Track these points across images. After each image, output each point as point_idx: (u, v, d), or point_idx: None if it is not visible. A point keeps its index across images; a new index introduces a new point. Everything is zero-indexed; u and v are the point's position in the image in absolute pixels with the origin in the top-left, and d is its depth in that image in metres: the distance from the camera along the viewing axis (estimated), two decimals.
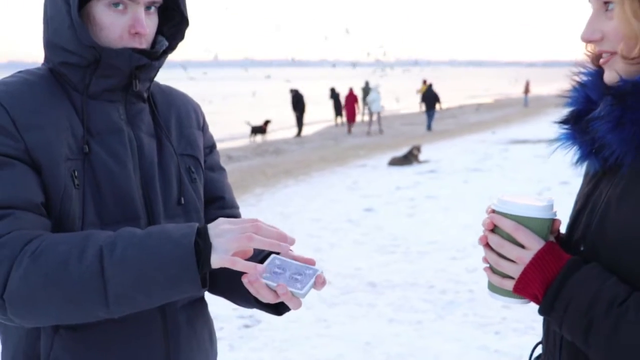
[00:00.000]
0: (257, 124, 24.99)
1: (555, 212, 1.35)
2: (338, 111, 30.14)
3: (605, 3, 1.25)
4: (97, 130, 1.49)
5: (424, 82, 31.75)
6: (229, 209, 1.74)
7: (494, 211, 1.33)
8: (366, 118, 28.89)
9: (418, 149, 15.49)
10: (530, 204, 1.31)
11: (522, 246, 1.28)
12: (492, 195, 9.06)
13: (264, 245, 1.32)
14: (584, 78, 1.39)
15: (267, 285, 1.34)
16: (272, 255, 1.40)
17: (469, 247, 7.66)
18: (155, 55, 1.55)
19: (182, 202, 1.60)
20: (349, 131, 26.60)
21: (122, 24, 1.46)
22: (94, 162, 1.47)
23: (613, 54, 1.26)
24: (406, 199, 10.98)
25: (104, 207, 1.46)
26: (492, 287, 1.37)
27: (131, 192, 1.50)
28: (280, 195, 12.05)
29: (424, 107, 29.46)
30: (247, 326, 5.39)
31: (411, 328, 5.25)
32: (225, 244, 1.30)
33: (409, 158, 15.16)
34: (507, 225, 1.29)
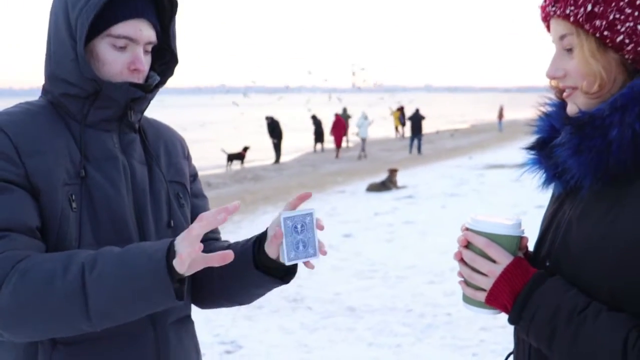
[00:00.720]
0: (233, 151, 25.05)
1: (523, 230, 1.48)
2: (319, 138, 30.32)
3: (566, 45, 1.37)
4: (93, 156, 1.61)
5: (398, 109, 32.12)
6: (211, 234, 1.85)
7: (467, 229, 1.45)
8: (351, 144, 29.24)
9: (394, 173, 15.60)
10: (500, 223, 1.44)
11: (494, 261, 1.40)
12: None
13: (207, 227, 1.38)
14: (549, 109, 1.53)
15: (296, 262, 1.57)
16: (281, 216, 1.57)
17: (447, 271, 7.76)
18: (149, 89, 1.68)
19: (172, 225, 1.71)
20: (337, 156, 27.00)
21: (123, 61, 1.60)
22: (90, 186, 1.58)
23: (574, 88, 1.39)
24: (384, 225, 11.09)
25: (100, 229, 1.56)
26: (466, 299, 1.49)
27: (125, 215, 1.61)
28: (259, 222, 12.08)
29: (401, 132, 29.82)
30: (228, 352, 5.42)
31: (390, 352, 5.32)
32: (180, 248, 1.39)
33: (387, 184, 15.28)
34: (479, 242, 1.41)
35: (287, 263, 1.56)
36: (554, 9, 1.37)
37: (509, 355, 1.67)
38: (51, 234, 1.51)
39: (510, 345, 5.21)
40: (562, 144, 1.37)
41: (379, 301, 6.75)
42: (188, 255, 1.36)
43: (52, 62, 1.62)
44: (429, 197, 13.97)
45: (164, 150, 1.80)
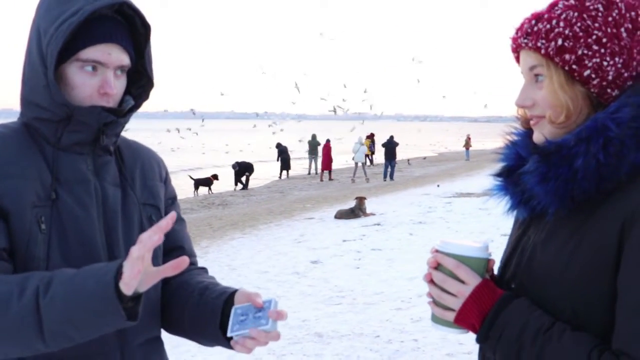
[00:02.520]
0: (200, 177, 24.98)
1: (490, 253, 1.52)
2: (285, 165, 30.40)
3: (536, 75, 1.43)
4: (65, 179, 1.62)
5: (367, 136, 32.45)
6: (190, 259, 1.82)
7: (437, 251, 1.48)
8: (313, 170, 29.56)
9: (362, 201, 15.66)
10: (469, 245, 1.48)
11: (462, 282, 1.44)
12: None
13: (143, 248, 1.38)
14: (515, 137, 1.58)
15: (243, 335, 1.54)
16: (233, 308, 1.60)
17: (414, 298, 7.80)
18: (121, 113, 1.69)
19: None
20: (322, 179, 27.80)
21: (92, 85, 1.60)
22: (61, 208, 1.59)
23: (541, 117, 1.44)
24: (352, 251, 11.11)
25: (69, 250, 1.58)
26: (435, 319, 1.51)
27: (94, 237, 1.62)
28: (227, 248, 12.05)
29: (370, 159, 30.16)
30: None
31: None
32: (125, 270, 1.39)
33: (356, 211, 15.33)
34: (449, 263, 1.45)
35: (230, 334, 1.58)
36: (525, 41, 1.42)
37: None
38: (19, 255, 1.53)
39: None
40: (530, 171, 1.42)
41: (347, 327, 6.75)
42: (130, 278, 1.37)
43: (25, 87, 1.65)
44: (396, 224, 14.04)
45: (140, 173, 1.81)
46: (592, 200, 1.35)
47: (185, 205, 19.79)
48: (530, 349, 1.33)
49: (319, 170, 31.91)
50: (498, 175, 1.57)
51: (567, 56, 1.36)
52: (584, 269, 1.33)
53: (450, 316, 1.45)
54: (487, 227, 12.92)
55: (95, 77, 1.61)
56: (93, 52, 1.59)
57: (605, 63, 1.35)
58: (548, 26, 1.39)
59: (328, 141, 30.11)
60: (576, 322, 1.33)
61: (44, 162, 1.61)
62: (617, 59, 1.35)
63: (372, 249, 11.29)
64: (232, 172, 26.80)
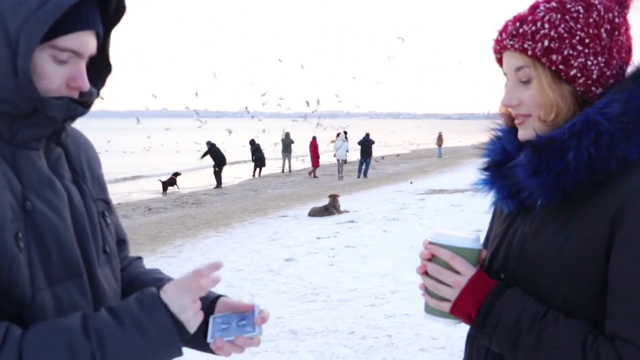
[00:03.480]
0: (164, 179, 24.89)
1: (482, 243, 1.56)
2: (259, 162, 30.35)
3: (520, 76, 1.48)
4: (31, 183, 1.40)
5: (338, 134, 32.59)
6: (127, 251, 1.80)
7: (431, 243, 1.52)
8: (287, 167, 29.68)
9: (335, 198, 15.70)
10: (463, 237, 1.52)
11: (458, 272, 1.48)
12: (409, 244, 9.33)
13: (208, 286, 1.42)
14: (499, 133, 1.64)
15: (228, 341, 1.49)
16: (211, 317, 1.54)
17: (388, 294, 7.87)
18: (88, 105, 1.52)
19: (107, 250, 1.57)
20: (314, 175, 28.46)
21: (62, 75, 1.40)
22: (36, 219, 1.37)
23: (528, 116, 1.49)
24: (326, 249, 11.14)
25: (50, 266, 1.38)
26: (429, 310, 1.55)
27: (72, 246, 1.44)
28: (200, 246, 12.01)
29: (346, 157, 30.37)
30: None
31: None
32: (189, 317, 1.39)
33: (330, 209, 15.37)
34: (444, 255, 1.49)
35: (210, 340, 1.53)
36: (511, 42, 1.46)
37: None
38: (0, 283, 1.29)
39: None
40: (522, 164, 1.46)
41: (321, 324, 6.77)
42: (196, 321, 1.40)
43: None
44: (370, 221, 14.10)
45: (87, 163, 1.62)
46: (582, 192, 1.40)
47: (159, 204, 19.71)
48: (528, 336, 1.38)
49: (293, 168, 32.01)
50: (485, 169, 1.61)
51: (553, 57, 1.42)
52: (576, 258, 1.38)
53: (446, 307, 1.49)
54: (460, 223, 13.04)
55: (66, 67, 1.40)
56: (72, 41, 1.38)
57: (589, 62, 1.42)
58: (533, 28, 1.44)
59: (314, 138, 30.47)
60: (567, 309, 1.39)
61: (5, 165, 1.37)
62: (599, 58, 1.42)
63: (345, 246, 11.34)
64: (198, 172, 26.67)
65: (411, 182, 23.56)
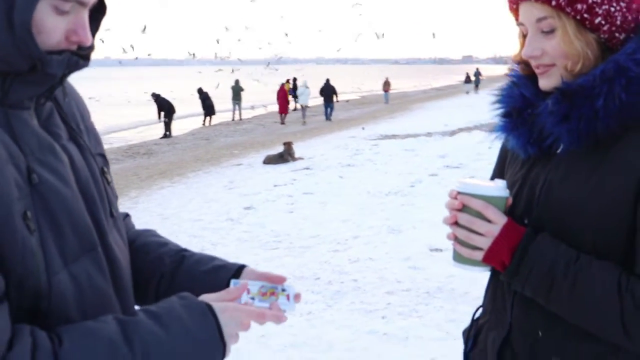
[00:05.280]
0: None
1: (509, 191, 1.57)
2: (209, 111, 30.01)
3: (542, 26, 1.48)
4: (30, 149, 1.22)
5: (288, 80, 32.43)
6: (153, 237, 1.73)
7: (460, 193, 1.52)
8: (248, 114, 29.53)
9: (290, 146, 15.69)
10: (491, 186, 1.53)
11: (489, 221, 1.49)
12: (367, 189, 9.43)
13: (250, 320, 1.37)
14: (515, 80, 1.65)
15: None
16: (234, 288, 1.44)
17: (350, 239, 7.98)
18: (88, 57, 1.33)
19: (114, 213, 1.44)
20: (283, 122, 28.80)
21: (62, 28, 1.23)
22: (44, 192, 1.20)
23: (550, 66, 1.50)
24: (284, 196, 11.16)
25: (64, 244, 1.22)
26: (459, 258, 1.56)
27: (85, 218, 1.28)
28: (156, 197, 11.90)
29: (293, 105, 30.41)
30: None
31: (302, 319, 5.42)
32: (233, 332, 1.33)
33: (285, 156, 15.36)
34: (477, 205, 1.50)
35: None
36: None
37: (477, 310, 1.82)
38: (13, 277, 1.13)
39: (417, 307, 5.48)
40: (551, 111, 1.48)
41: (287, 270, 6.82)
42: (236, 339, 1.34)
43: None
44: (325, 168, 14.15)
45: (79, 116, 1.44)
46: (611, 139, 1.42)
47: (110, 155, 19.29)
48: (564, 280, 1.41)
49: (243, 116, 31.80)
50: (505, 115, 1.63)
51: (578, 6, 1.42)
52: (605, 203, 1.40)
53: (479, 255, 1.51)
54: (415, 167, 13.21)
55: (66, 18, 1.22)
56: None
57: (612, 9, 1.42)
58: None
59: (283, 85, 30.43)
60: (595, 253, 1.42)
61: (3, 132, 1.19)
62: (622, 3, 1.43)
63: (303, 193, 11.37)
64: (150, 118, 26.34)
65: (363, 128, 23.65)
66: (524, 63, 1.62)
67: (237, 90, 32.00)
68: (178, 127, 27.51)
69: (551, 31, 1.47)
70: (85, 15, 1.26)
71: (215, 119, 30.65)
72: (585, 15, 1.43)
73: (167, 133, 25.55)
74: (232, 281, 1.50)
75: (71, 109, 1.42)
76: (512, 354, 1.61)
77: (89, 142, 1.42)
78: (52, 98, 1.35)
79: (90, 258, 1.28)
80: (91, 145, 1.42)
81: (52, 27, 1.20)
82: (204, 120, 30.30)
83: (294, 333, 5.10)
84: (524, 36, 1.56)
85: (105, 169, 1.45)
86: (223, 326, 1.30)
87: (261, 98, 39.72)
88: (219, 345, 1.29)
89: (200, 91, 30.04)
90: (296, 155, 15.74)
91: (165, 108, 26.14)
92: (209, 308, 1.31)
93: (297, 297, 1.51)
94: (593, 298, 1.39)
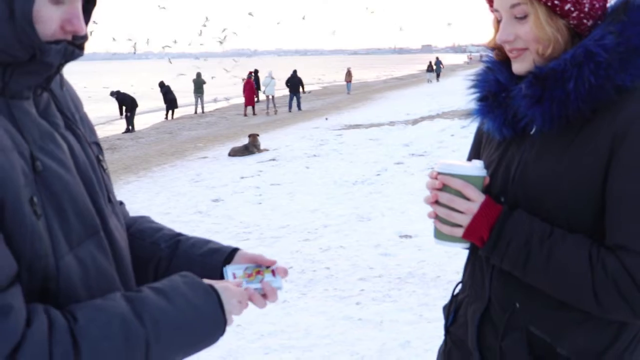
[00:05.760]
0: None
1: (487, 170, 1.66)
2: (171, 105, 29.75)
3: (515, 12, 1.56)
4: (32, 137, 1.27)
5: (250, 72, 32.31)
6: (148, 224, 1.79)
7: (440, 173, 1.60)
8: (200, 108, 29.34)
9: (255, 138, 15.69)
10: (470, 165, 1.61)
11: (468, 199, 1.57)
12: (333, 179, 9.50)
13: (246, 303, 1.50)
14: (490, 65, 1.73)
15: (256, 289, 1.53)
16: (228, 267, 1.59)
17: (320, 228, 8.06)
18: (83, 47, 1.36)
19: (112, 199, 1.50)
20: (246, 114, 28.85)
21: (58, 18, 1.26)
22: (48, 179, 1.26)
23: (523, 50, 1.58)
24: (252, 188, 11.20)
25: (69, 228, 1.28)
26: (440, 235, 1.64)
27: (87, 203, 1.34)
28: (123, 192, 11.80)
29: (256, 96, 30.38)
30: None
31: (278, 307, 5.47)
32: (234, 310, 1.44)
33: (250, 148, 15.36)
34: (456, 184, 1.58)
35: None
36: None
37: (456, 286, 1.91)
38: (23, 262, 1.18)
39: (390, 292, 5.56)
40: (525, 95, 1.56)
41: None
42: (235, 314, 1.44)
43: None
44: (291, 159, 14.21)
45: (73, 105, 1.49)
46: (581, 119, 1.51)
47: None
48: (539, 253, 1.50)
49: (205, 110, 31.62)
50: (481, 99, 1.71)
51: None
52: (577, 181, 1.49)
53: (459, 232, 1.59)
54: (380, 156, 13.34)
55: (62, 8, 1.26)
56: None
57: None
58: None
59: (250, 77, 30.56)
60: (568, 228, 1.51)
61: (7, 122, 1.23)
62: None
63: (271, 184, 11.42)
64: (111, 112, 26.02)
65: (326, 118, 23.73)
66: (498, 49, 1.70)
67: (199, 83, 31.79)
68: (140, 121, 27.26)
69: (524, 17, 1.55)
70: (79, 5, 1.30)
71: (178, 112, 30.42)
72: (556, 2, 1.51)
73: (130, 128, 25.30)
74: (224, 270, 1.59)
75: (66, 100, 1.47)
76: (491, 326, 1.70)
77: (84, 131, 1.47)
78: (48, 88, 1.40)
79: (94, 241, 1.35)
80: (86, 134, 1.47)
81: (48, 17, 1.24)
82: (167, 114, 30.04)
83: (270, 322, 5.16)
84: (498, 22, 1.64)
85: (101, 157, 1.50)
86: (225, 304, 1.40)
87: (223, 91, 39.56)
88: (222, 321, 1.39)
89: (161, 85, 29.76)
90: (262, 147, 15.76)
91: (127, 102, 25.84)
92: (211, 286, 1.41)
93: (282, 271, 1.61)
94: (566, 269, 1.48)
